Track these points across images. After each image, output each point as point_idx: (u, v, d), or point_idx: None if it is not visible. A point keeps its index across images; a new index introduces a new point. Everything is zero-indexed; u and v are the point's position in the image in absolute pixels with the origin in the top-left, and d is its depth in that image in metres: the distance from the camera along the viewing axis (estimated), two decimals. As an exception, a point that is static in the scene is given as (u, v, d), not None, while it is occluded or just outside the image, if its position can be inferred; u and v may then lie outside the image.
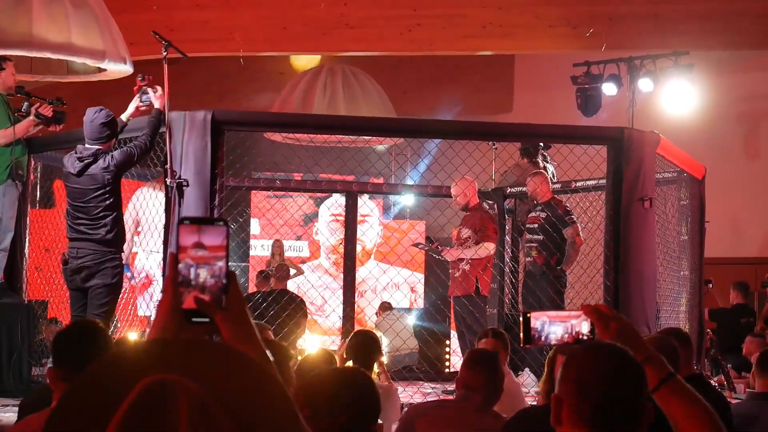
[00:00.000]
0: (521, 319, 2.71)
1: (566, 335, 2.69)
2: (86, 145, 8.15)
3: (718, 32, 13.88)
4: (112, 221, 8.11)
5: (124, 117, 8.57)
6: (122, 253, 8.40)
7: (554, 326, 2.70)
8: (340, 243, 15.85)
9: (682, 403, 2.52)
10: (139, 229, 9.31)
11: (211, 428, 1.37)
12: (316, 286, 14.27)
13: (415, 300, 15.90)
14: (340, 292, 15.07)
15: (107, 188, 8.06)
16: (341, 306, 13.90)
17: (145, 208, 9.18)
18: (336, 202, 15.12)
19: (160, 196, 9.01)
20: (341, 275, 15.87)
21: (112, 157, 8.09)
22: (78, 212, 8.08)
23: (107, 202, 8.08)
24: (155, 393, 1.37)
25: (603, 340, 2.61)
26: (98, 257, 8.08)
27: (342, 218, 15.49)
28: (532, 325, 2.71)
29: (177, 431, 1.35)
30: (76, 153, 8.20)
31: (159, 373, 1.41)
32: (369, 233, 15.33)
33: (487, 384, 5.33)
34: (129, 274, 10.31)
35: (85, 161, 8.06)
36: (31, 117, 9.29)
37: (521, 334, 2.72)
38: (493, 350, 6.12)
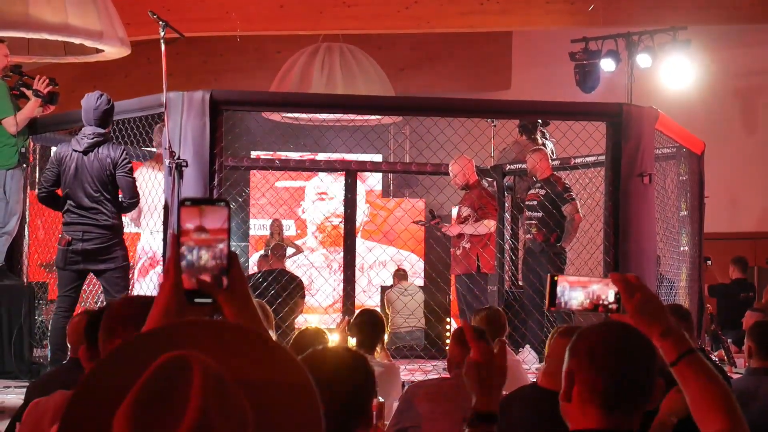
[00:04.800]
0: (548, 281, 2.72)
1: (587, 301, 2.69)
2: (90, 128, 8.14)
3: (716, 7, 13.88)
4: (115, 207, 8.13)
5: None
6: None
7: (575, 292, 2.70)
8: (327, 220, 15.90)
9: (699, 379, 2.53)
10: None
11: (225, 402, 1.38)
12: (303, 265, 14.28)
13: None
14: (327, 270, 15.11)
15: (110, 177, 8.06)
16: (329, 284, 13.93)
17: (149, 188, 9.18)
18: (321, 180, 15.08)
19: (160, 176, 9.03)
20: (327, 253, 15.91)
21: (128, 161, 8.12)
22: (84, 195, 8.06)
23: (111, 188, 8.10)
24: (171, 367, 1.40)
25: (612, 320, 2.63)
26: (105, 241, 8.10)
27: (326, 197, 15.50)
28: (557, 288, 2.72)
29: (188, 402, 1.36)
30: (76, 136, 8.21)
31: (182, 349, 1.43)
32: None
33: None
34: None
35: (94, 139, 8.06)
36: (33, 98, 9.28)
37: (547, 297, 2.72)
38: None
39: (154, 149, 9.53)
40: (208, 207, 1.76)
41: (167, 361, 1.41)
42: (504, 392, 5.15)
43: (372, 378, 3.25)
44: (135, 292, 10.05)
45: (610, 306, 2.67)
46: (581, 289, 2.70)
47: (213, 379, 1.39)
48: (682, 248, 11.21)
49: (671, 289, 10.69)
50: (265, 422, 1.42)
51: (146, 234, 9.41)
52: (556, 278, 2.72)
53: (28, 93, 9.34)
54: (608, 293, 2.68)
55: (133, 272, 10.11)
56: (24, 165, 9.43)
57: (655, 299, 2.64)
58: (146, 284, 9.38)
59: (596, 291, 2.69)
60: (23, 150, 9.35)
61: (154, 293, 8.09)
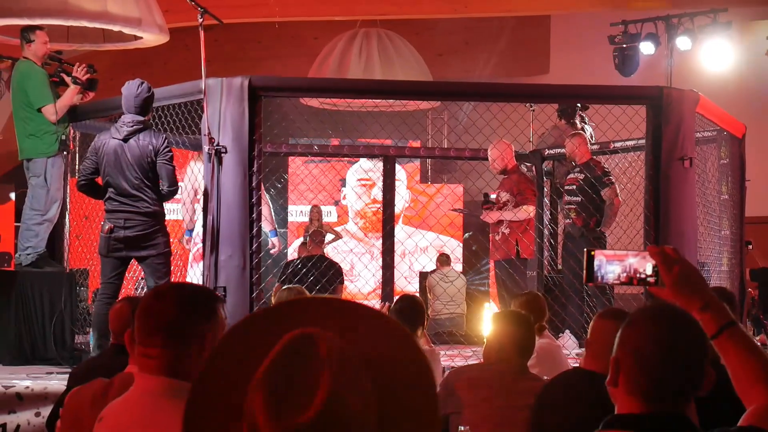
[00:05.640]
0: (585, 256, 2.69)
1: (624, 274, 2.66)
2: (129, 115, 8.14)
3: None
4: (156, 194, 8.14)
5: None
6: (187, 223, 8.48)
7: (612, 265, 2.67)
8: (368, 206, 15.90)
9: (740, 352, 2.50)
10: (199, 197, 9.38)
11: (352, 377, 1.43)
12: (344, 251, 14.29)
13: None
14: (368, 256, 15.11)
15: (151, 164, 8.06)
16: (368, 269, 13.93)
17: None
18: (361, 167, 15.06)
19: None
20: (368, 239, 15.91)
21: (169, 149, 8.12)
22: (125, 182, 8.07)
23: (152, 175, 8.10)
24: (298, 344, 1.44)
25: (664, 303, 2.58)
26: (147, 228, 8.11)
27: (368, 183, 15.49)
28: (594, 262, 2.69)
29: (320, 378, 1.41)
30: (116, 125, 8.22)
31: (305, 327, 1.47)
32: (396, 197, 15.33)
33: (517, 344, 5.34)
34: (190, 237, 10.41)
35: (134, 127, 8.07)
36: (72, 86, 9.33)
37: (585, 272, 2.69)
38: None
39: (196, 136, 9.55)
40: None
41: (294, 338, 1.45)
42: (544, 378, 5.16)
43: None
44: (189, 277, 10.16)
45: (647, 279, 2.64)
46: (618, 263, 2.67)
47: (338, 355, 1.44)
48: (723, 232, 11.14)
49: (709, 273, 10.62)
50: (385, 397, 1.45)
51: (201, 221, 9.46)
52: (592, 253, 2.69)
53: (68, 80, 9.39)
54: (645, 266, 2.65)
55: (188, 258, 10.19)
56: (65, 152, 9.49)
57: (694, 271, 2.60)
58: (200, 269, 9.45)
59: (633, 264, 2.66)
60: (64, 137, 9.40)
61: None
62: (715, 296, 2.57)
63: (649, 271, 2.64)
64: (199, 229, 9.61)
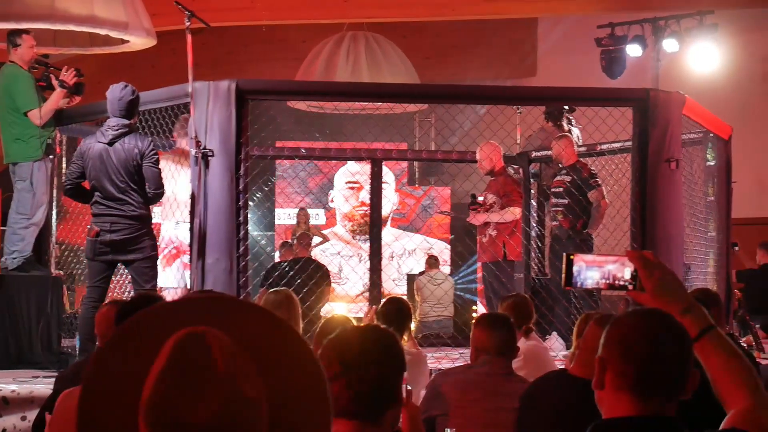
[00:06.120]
0: (564, 260, 2.68)
1: (603, 281, 2.66)
2: (114, 119, 8.12)
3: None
4: (142, 197, 8.11)
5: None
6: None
7: (591, 271, 2.66)
8: (355, 209, 15.90)
9: (720, 355, 2.51)
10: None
11: (244, 376, 1.44)
12: (332, 254, 14.29)
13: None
14: (356, 259, 15.11)
15: (137, 168, 8.04)
16: (358, 272, 13.94)
17: (169, 180, 9.19)
18: (349, 170, 15.06)
19: (179, 169, 9.09)
20: (355, 242, 15.91)
21: (155, 152, 8.09)
22: (111, 186, 8.05)
23: (138, 179, 8.07)
24: (191, 343, 1.45)
25: (646, 306, 2.60)
26: (134, 232, 8.09)
27: (356, 186, 15.50)
28: (573, 268, 2.69)
29: (214, 376, 1.42)
30: (101, 128, 8.20)
31: (188, 325, 1.48)
32: (384, 200, 15.33)
33: (501, 345, 5.35)
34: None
35: (119, 130, 8.05)
36: (58, 89, 9.32)
37: (563, 276, 2.69)
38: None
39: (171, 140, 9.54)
40: None
41: (183, 338, 1.45)
42: (531, 380, 5.16)
43: (401, 356, 3.20)
44: (159, 281, 10.15)
45: (626, 285, 2.64)
46: (597, 269, 2.67)
47: (229, 352, 1.45)
48: (709, 233, 11.16)
49: (696, 275, 10.64)
50: (274, 393, 1.46)
51: (169, 224, 9.43)
52: (572, 257, 2.69)
53: (55, 83, 9.38)
54: (624, 272, 2.65)
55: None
56: (51, 156, 9.47)
57: (674, 276, 2.61)
58: (171, 273, 9.40)
59: (612, 271, 2.66)
60: (50, 141, 9.38)
61: (180, 282, 8.12)
62: (695, 300, 2.59)
63: (627, 276, 2.64)
64: (166, 233, 9.56)
